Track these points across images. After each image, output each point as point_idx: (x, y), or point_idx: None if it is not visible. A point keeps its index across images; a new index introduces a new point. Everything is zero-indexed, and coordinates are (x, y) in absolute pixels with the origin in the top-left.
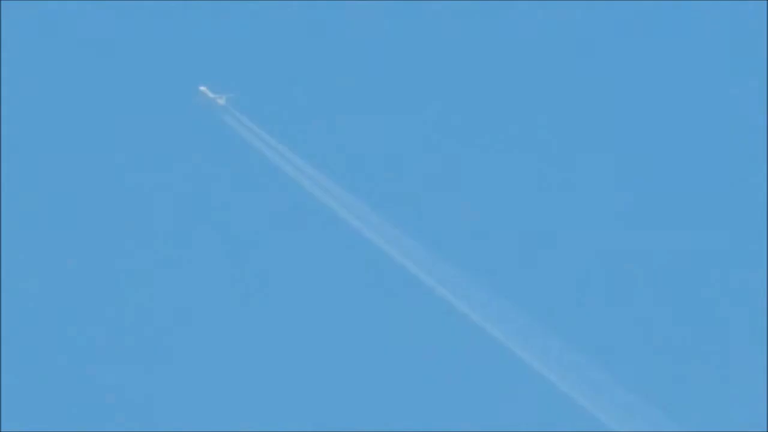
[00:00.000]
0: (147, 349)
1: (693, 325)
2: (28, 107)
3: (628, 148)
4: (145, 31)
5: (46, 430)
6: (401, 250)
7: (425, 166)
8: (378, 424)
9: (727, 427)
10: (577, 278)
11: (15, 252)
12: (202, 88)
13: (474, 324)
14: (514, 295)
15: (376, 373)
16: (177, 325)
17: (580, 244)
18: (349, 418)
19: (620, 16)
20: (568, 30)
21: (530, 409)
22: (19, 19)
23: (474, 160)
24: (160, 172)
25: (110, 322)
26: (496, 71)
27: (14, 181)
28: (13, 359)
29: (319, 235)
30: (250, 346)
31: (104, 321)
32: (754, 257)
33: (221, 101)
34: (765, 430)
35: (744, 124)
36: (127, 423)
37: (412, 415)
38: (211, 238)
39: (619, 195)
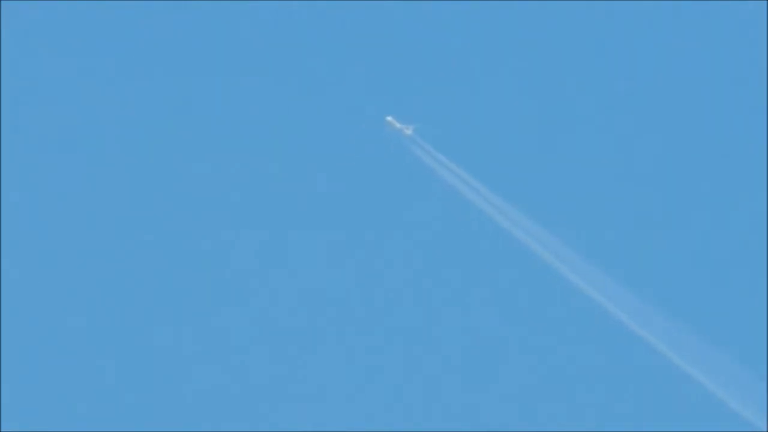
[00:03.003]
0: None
1: (693, 325)
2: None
3: (628, 148)
4: (333, 59)
5: (46, 430)
6: (584, 277)
7: (617, 195)
8: None
9: (728, 427)
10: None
11: (16, 256)
12: (389, 118)
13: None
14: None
15: None
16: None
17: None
18: None
19: (620, 16)
20: (568, 30)
21: None
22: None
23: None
24: (348, 201)
25: (107, 322)
26: None
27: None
28: (12, 359)
29: (505, 265)
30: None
31: (102, 320)
32: (755, 257)
33: (408, 131)
34: (765, 430)
35: (744, 125)
36: (132, 423)
37: None
38: (397, 269)
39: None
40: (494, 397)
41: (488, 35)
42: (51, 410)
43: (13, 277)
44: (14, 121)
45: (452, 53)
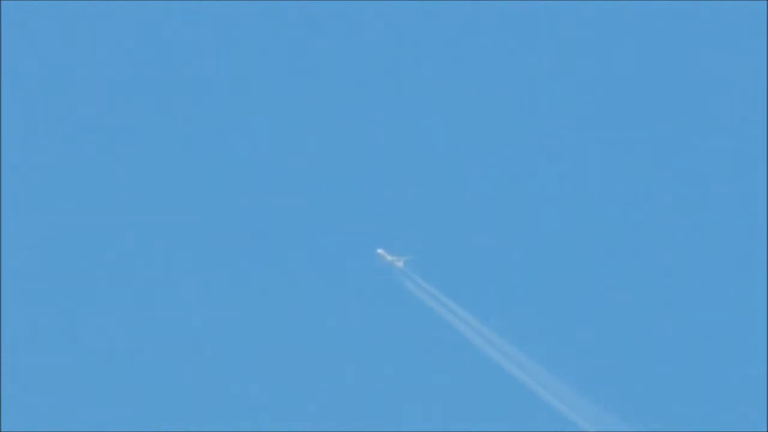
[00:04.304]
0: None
1: (694, 325)
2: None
3: (629, 147)
4: (327, 194)
5: (46, 430)
6: (568, 404)
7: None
8: None
9: (728, 427)
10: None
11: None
12: (380, 250)
13: None
14: None
15: None
16: None
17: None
18: None
19: (621, 16)
20: (567, 31)
21: None
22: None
23: None
24: (341, 334)
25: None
26: None
27: None
28: (12, 359)
29: (500, 400)
30: None
31: (101, 322)
32: (754, 257)
33: (400, 264)
34: (765, 430)
35: (744, 124)
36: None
37: None
38: (392, 401)
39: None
40: None
41: (473, 165)
42: (51, 410)
43: (13, 277)
44: (14, 120)
45: (443, 187)
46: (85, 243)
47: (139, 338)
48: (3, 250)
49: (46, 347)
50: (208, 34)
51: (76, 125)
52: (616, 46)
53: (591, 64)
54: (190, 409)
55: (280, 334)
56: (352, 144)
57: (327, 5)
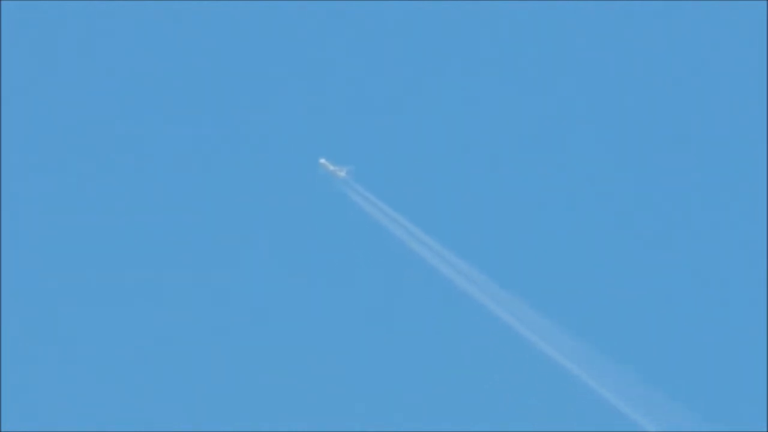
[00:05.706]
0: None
1: (693, 325)
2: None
3: (629, 147)
4: (266, 101)
5: (46, 430)
6: (528, 325)
7: (546, 240)
8: None
9: (728, 427)
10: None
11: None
12: (322, 160)
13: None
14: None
15: None
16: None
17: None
18: None
19: (621, 16)
20: (565, 31)
21: None
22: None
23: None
24: (282, 248)
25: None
26: None
27: None
28: (12, 359)
29: (442, 310)
30: None
31: (101, 321)
32: (754, 257)
33: (342, 174)
34: (765, 430)
35: (744, 124)
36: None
37: None
38: (332, 313)
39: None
40: None
41: (421, 78)
42: (51, 410)
43: (13, 277)
44: (14, 120)
45: (385, 93)
46: (85, 243)
47: (139, 338)
48: (3, 250)
49: (46, 347)
50: (208, 34)
51: (77, 125)
52: (616, 46)
53: (590, 64)
54: (190, 409)
55: (223, 246)
56: (303, 63)
57: (327, 5)
